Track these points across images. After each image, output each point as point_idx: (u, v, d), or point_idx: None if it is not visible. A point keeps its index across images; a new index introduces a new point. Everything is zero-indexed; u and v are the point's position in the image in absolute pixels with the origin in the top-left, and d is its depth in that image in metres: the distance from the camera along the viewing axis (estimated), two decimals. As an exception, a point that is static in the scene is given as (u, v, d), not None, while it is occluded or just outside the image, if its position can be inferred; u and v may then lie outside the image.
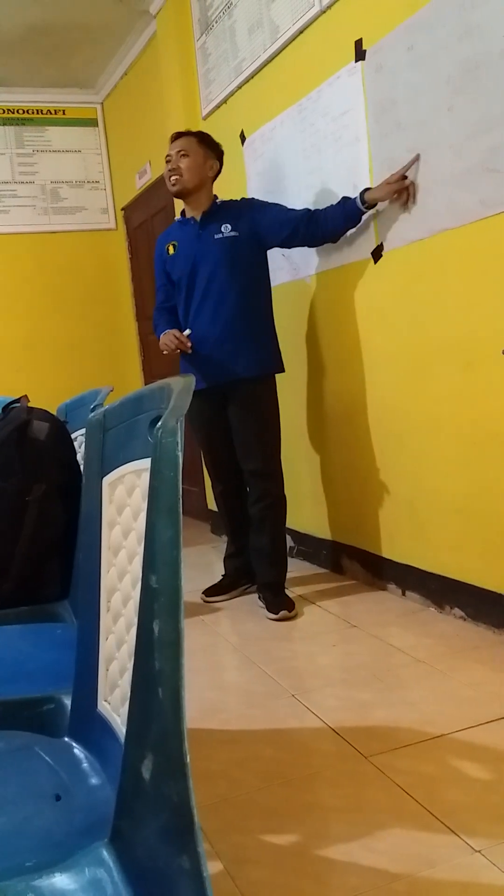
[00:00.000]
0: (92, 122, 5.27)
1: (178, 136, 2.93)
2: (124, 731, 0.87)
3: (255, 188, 3.53)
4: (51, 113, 5.18)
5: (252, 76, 3.43)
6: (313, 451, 3.37)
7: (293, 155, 3.21)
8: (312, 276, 3.19)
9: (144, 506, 0.90)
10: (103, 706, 0.95)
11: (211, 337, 2.84)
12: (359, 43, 2.70)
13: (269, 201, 3.00)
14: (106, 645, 0.96)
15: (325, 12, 2.88)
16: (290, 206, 2.94)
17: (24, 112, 5.11)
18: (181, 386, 0.81)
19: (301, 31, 3.03)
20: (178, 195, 2.94)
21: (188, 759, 0.72)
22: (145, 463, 0.88)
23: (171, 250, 2.98)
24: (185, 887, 0.71)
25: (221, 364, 2.83)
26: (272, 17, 3.19)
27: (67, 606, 1.62)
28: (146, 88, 4.56)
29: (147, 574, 0.73)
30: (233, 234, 2.85)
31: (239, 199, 3.03)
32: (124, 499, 0.96)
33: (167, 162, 2.90)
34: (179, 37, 3.99)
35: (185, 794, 0.71)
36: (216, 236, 2.86)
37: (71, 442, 1.76)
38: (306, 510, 3.48)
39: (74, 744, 0.99)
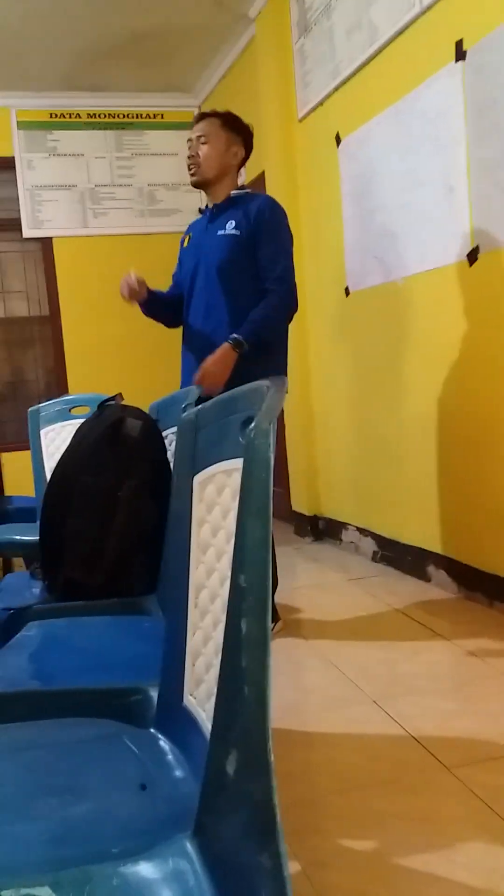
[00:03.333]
0: (189, 126, 5.35)
1: (201, 117, 2.62)
2: (209, 726, 0.88)
3: (349, 190, 3.52)
4: (149, 117, 5.29)
5: (349, 78, 3.42)
6: (400, 456, 3.33)
7: (388, 157, 3.18)
8: (405, 278, 3.15)
9: (234, 505, 0.91)
10: (189, 700, 0.96)
11: (198, 345, 2.60)
12: (459, 43, 2.65)
13: (276, 231, 2.58)
14: (193, 641, 0.98)
15: (425, 13, 2.84)
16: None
17: (123, 116, 5.24)
18: (275, 388, 0.82)
19: (400, 32, 3.00)
20: (197, 186, 2.64)
21: (272, 758, 0.73)
22: (236, 463, 0.89)
23: (186, 241, 2.76)
24: (266, 885, 0.71)
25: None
26: (371, 18, 3.17)
27: (155, 601, 1.65)
28: (243, 91, 4.60)
29: (236, 573, 0.74)
30: (234, 232, 2.55)
31: (259, 194, 2.71)
32: (214, 497, 0.97)
33: (188, 144, 2.62)
34: (278, 39, 4.01)
35: (268, 792, 0.72)
36: (219, 232, 2.58)
37: (162, 440, 1.79)
38: (391, 515, 3.44)
39: (160, 736, 1.01)
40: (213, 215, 2.63)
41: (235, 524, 0.80)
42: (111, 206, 5.19)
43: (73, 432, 1.91)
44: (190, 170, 2.61)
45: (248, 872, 0.73)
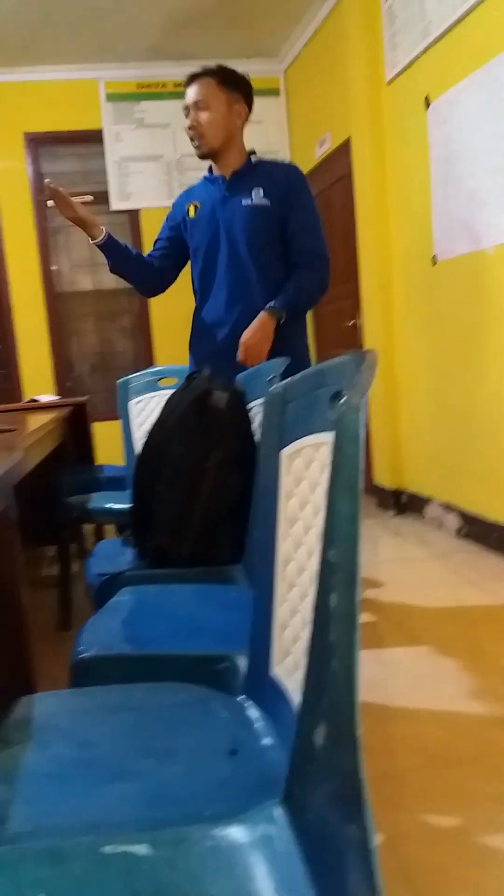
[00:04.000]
0: (274, 92, 5.29)
1: (191, 79, 2.34)
2: (296, 697, 0.90)
3: (438, 155, 3.41)
4: (235, 84, 5.25)
5: (440, 38, 3.30)
6: (486, 431, 3.25)
7: (479, 120, 3.06)
8: (495, 247, 3.05)
9: (322, 479, 0.92)
10: (276, 671, 0.98)
11: (226, 322, 2.42)
12: None
13: (309, 202, 2.41)
14: (280, 612, 0.99)
15: (523, -37, 2.71)
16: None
17: (209, 85, 5.22)
18: (366, 362, 0.81)
19: (495, -14, 2.87)
20: (205, 157, 2.42)
21: (359, 732, 0.73)
22: (324, 437, 0.90)
23: (192, 212, 2.48)
24: (353, 856, 0.72)
25: (232, 357, 2.37)
26: (465, -28, 3.04)
27: (241, 571, 1.67)
28: (329, 55, 4.50)
29: (326, 548, 0.75)
30: (264, 201, 2.34)
31: (281, 161, 2.54)
32: (302, 471, 0.98)
33: (185, 114, 2.37)
34: (366, 1, 3.90)
35: (355, 765, 0.73)
36: (244, 202, 2.36)
37: (248, 412, 1.80)
38: (476, 491, 3.37)
39: (249, 703, 1.03)
40: (232, 184, 2.40)
41: (324, 499, 0.81)
42: (196, 177, 5.18)
43: (161, 403, 1.94)
44: (193, 142, 2.38)
45: (335, 842, 0.74)
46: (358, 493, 0.73)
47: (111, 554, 2.07)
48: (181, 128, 5.19)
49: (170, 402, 1.86)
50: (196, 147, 2.39)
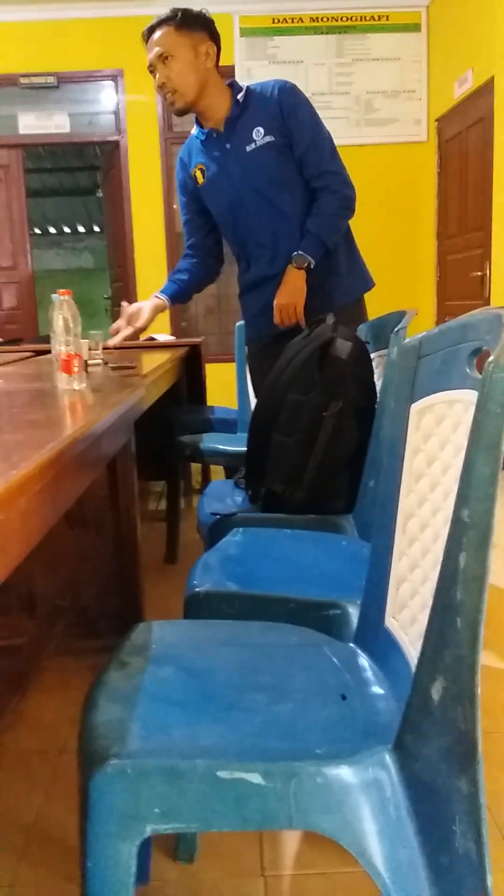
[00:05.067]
0: (415, 28, 5.06)
1: (149, 32, 2.13)
2: (413, 650, 0.90)
3: None
4: (374, 19, 5.05)
5: None
6: None
7: None
8: None
9: (454, 437, 0.90)
10: (391, 622, 0.98)
11: (276, 276, 2.25)
12: None
13: (308, 116, 2.18)
14: (398, 565, 0.99)
15: None
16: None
17: (346, 19, 5.04)
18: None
19: None
20: (184, 112, 2.22)
21: (479, 690, 0.74)
22: (460, 394, 0.88)
23: (200, 177, 2.31)
24: (461, 809, 0.73)
25: (255, 319, 2.32)
26: None
27: (351, 521, 1.68)
28: (477, -13, 4.25)
29: (459, 507, 0.74)
30: (267, 139, 2.15)
31: (268, 83, 2.22)
32: (432, 427, 0.96)
33: (150, 73, 2.16)
34: None
35: (472, 722, 0.73)
36: (248, 148, 2.17)
37: (370, 363, 1.78)
38: None
39: (360, 651, 1.05)
40: (228, 133, 2.20)
41: (458, 457, 0.79)
42: (327, 116, 5.00)
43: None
44: (167, 99, 2.18)
45: (444, 793, 0.75)
46: (499, 453, 0.71)
47: (222, 494, 2.11)
48: (314, 64, 5.08)
49: (289, 349, 1.85)
50: (171, 104, 2.19)
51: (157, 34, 2.11)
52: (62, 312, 1.80)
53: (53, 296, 2.22)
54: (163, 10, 2.13)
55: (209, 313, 5.63)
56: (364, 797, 0.78)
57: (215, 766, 0.78)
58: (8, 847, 1.37)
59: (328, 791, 0.77)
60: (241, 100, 2.17)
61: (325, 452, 1.71)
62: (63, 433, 1.14)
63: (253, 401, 3.03)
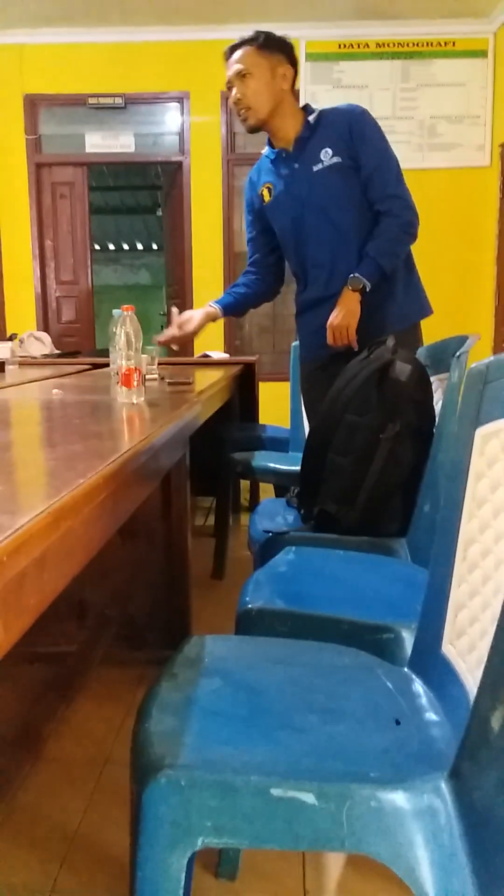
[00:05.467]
0: (481, 54, 5.06)
1: (231, 51, 2.22)
2: (471, 678, 0.89)
3: None
4: (440, 45, 5.06)
5: None
6: None
7: None
8: None
9: (520, 464, 0.89)
10: (448, 649, 0.97)
11: (332, 298, 2.25)
12: None
13: (376, 139, 2.21)
14: (457, 591, 0.98)
15: None
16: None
17: (413, 45, 5.07)
18: None
19: None
20: (255, 130, 2.27)
21: (541, 723, 0.72)
22: (528, 421, 0.87)
23: (267, 196, 2.35)
24: (518, 842, 0.72)
25: (307, 339, 2.31)
26: None
27: (405, 545, 1.67)
28: (546, 15, 4.24)
29: (526, 534, 0.73)
30: (335, 160, 2.17)
31: (342, 106, 2.27)
32: (497, 453, 0.96)
33: (228, 89, 2.25)
34: None
35: (532, 755, 0.72)
36: (315, 168, 2.20)
37: (429, 386, 1.77)
38: None
39: (414, 677, 1.04)
40: (297, 153, 2.24)
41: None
42: (390, 140, 5.09)
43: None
44: (240, 115, 2.23)
45: (500, 825, 0.74)
46: None
47: (274, 512, 2.11)
48: (379, 89, 5.11)
49: (348, 370, 1.85)
50: (244, 120, 2.25)
51: (239, 53, 2.19)
52: (125, 327, 1.83)
53: (115, 311, 2.26)
54: (228, 35, 2.19)
55: (263, 332, 5.66)
56: (418, 824, 0.77)
57: (268, 783, 0.78)
58: (49, 853, 1.38)
59: (382, 815, 0.76)
60: (312, 121, 2.21)
61: (380, 474, 1.70)
62: (124, 445, 1.16)
63: (305, 421, 3.03)
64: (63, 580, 0.80)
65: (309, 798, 0.76)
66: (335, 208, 2.21)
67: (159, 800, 0.78)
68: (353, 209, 2.21)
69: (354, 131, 2.17)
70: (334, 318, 2.21)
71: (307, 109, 2.26)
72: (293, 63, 2.25)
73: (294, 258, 2.38)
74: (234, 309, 2.59)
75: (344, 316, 2.19)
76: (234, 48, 2.21)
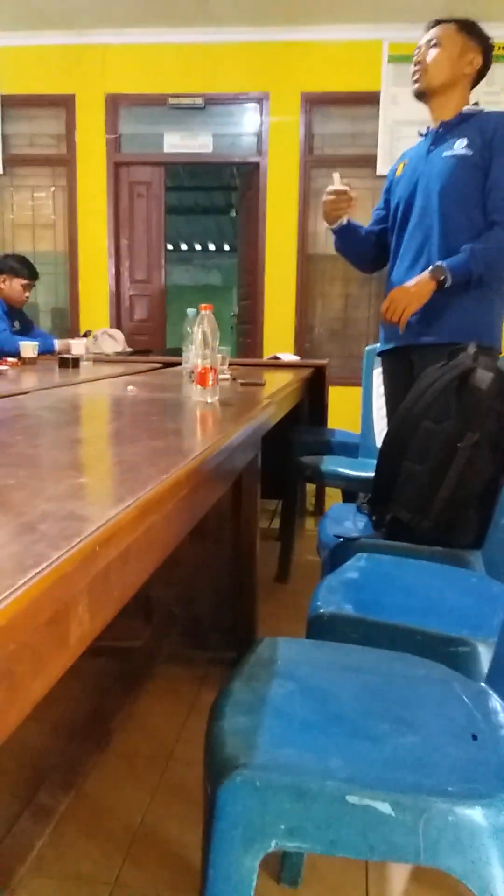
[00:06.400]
0: None
1: (435, 23, 2.26)
2: None
3: None
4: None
5: None
6: None
7: None
8: None
9: None
10: (529, 666, 0.95)
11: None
12: None
13: None
14: (540, 607, 0.96)
15: None
16: None
17: (501, 48, 4.96)
18: None
19: None
20: (421, 96, 2.27)
21: None
22: None
23: (400, 170, 2.38)
24: None
25: (411, 321, 2.20)
26: None
27: (479, 557, 1.63)
28: None
29: None
30: (465, 151, 2.15)
31: (499, 112, 2.26)
32: None
33: (416, 54, 2.26)
34: None
35: None
36: (445, 154, 2.19)
37: (510, 395, 1.73)
38: None
39: (492, 692, 1.01)
40: (438, 136, 2.25)
41: None
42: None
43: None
44: (413, 76, 2.25)
45: None
46: None
47: (343, 518, 2.10)
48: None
49: (427, 376, 1.83)
50: (414, 81, 2.25)
51: (440, 26, 2.24)
52: (202, 326, 1.84)
53: (190, 310, 2.28)
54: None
55: (334, 336, 5.63)
56: (495, 841, 0.75)
57: (344, 790, 0.77)
58: (113, 846, 1.39)
59: (459, 831, 0.74)
60: (465, 113, 2.23)
61: (456, 484, 1.67)
62: (203, 443, 1.16)
63: (378, 416, 3.00)
64: (144, 574, 0.80)
65: (385, 808, 0.75)
66: (445, 198, 2.18)
67: (234, 799, 0.77)
68: (462, 205, 2.16)
69: (497, 137, 2.14)
70: (399, 289, 2.19)
71: (473, 105, 2.26)
72: (486, 59, 2.26)
73: (395, 237, 2.36)
74: (350, 230, 2.45)
75: (409, 294, 2.16)
76: (438, 21, 2.26)
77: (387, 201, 2.46)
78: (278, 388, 2.22)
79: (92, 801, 1.51)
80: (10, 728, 0.48)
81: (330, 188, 2.35)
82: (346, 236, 2.45)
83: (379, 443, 2.19)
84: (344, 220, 2.39)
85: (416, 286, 2.15)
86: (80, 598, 0.59)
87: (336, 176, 2.33)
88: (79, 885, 1.30)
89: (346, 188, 2.32)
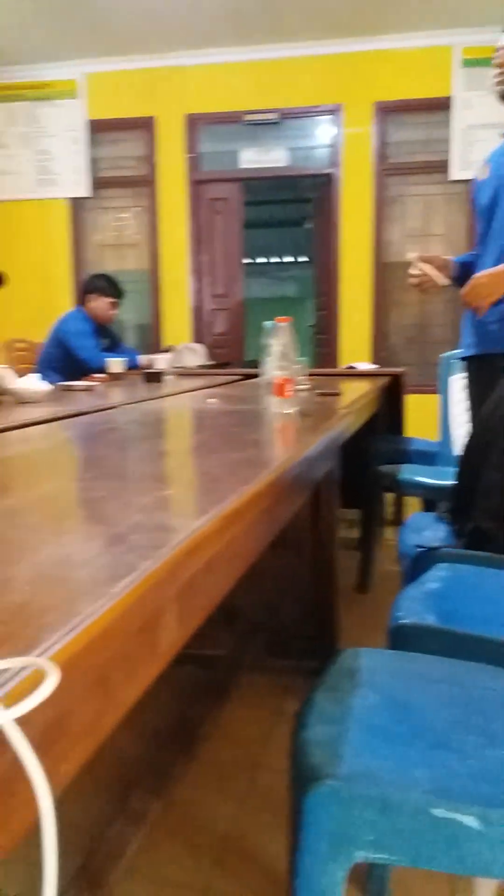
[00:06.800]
0: None
1: None
2: None
3: None
4: None
5: None
6: None
7: None
8: None
9: None
10: None
11: None
12: None
13: None
14: None
15: None
16: None
17: None
18: None
19: None
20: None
21: None
22: None
23: (485, 172, 2.36)
24: None
25: (490, 326, 2.19)
26: None
27: None
28: None
29: None
30: None
31: None
32: None
33: (497, 55, 2.23)
34: None
35: None
36: None
37: None
38: None
39: None
40: None
41: None
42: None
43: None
44: (496, 77, 2.22)
45: None
46: None
47: (423, 527, 2.07)
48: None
49: (509, 383, 1.79)
50: (498, 84, 2.23)
51: None
52: (279, 338, 1.86)
53: (266, 322, 2.31)
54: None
55: (410, 343, 5.57)
56: None
57: (429, 802, 0.77)
58: (202, 851, 1.41)
59: (551, 848, 0.73)
60: None
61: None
62: (282, 454, 1.18)
63: (458, 423, 2.96)
64: (227, 583, 0.82)
65: (472, 822, 0.74)
66: None
67: (319, 809, 0.78)
68: None
69: None
70: (483, 276, 2.15)
71: None
72: None
73: (479, 239, 2.35)
74: (464, 265, 2.45)
75: (491, 282, 2.12)
76: None
77: (474, 204, 2.44)
78: (355, 397, 2.22)
79: (182, 808, 1.54)
80: (105, 732, 0.50)
81: (411, 272, 2.35)
82: (462, 276, 2.41)
83: (458, 450, 2.16)
84: (446, 281, 2.37)
85: (497, 275, 2.12)
86: (169, 606, 0.61)
87: (412, 256, 2.33)
88: (170, 890, 1.32)
89: (422, 270, 2.32)
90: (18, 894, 1.06)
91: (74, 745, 0.44)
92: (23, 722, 0.35)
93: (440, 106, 5.11)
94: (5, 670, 0.37)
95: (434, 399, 3.31)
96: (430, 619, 1.30)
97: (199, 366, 4.21)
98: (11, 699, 0.35)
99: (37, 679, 0.37)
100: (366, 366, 4.26)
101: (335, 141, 5.40)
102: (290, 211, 10.45)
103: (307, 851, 0.78)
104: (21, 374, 2.21)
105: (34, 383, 2.15)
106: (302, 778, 0.81)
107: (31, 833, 0.37)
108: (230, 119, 5.50)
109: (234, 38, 5.20)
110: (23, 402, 2.04)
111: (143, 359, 4.03)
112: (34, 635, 0.43)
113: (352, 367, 4.17)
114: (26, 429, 1.48)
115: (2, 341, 4.25)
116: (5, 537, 0.68)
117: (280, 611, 2.19)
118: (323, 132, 5.47)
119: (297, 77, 5.34)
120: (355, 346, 5.48)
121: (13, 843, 0.37)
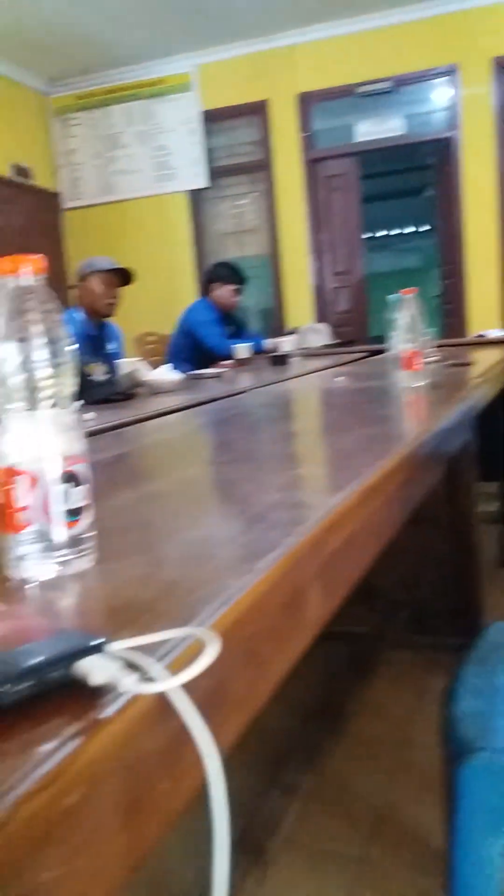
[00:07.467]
0: None
1: None
2: None
3: None
4: None
5: None
6: None
7: None
8: None
9: None
10: None
11: None
12: None
13: None
14: None
15: None
16: None
17: None
18: None
19: None
20: None
21: None
22: None
23: None
24: None
25: None
26: None
27: None
28: None
29: None
30: None
31: None
32: None
33: None
34: None
35: None
36: None
37: None
38: None
39: None
40: None
41: None
42: None
43: None
44: None
45: None
46: None
47: None
48: None
49: None
50: None
51: None
52: (406, 310, 1.82)
53: (391, 296, 2.26)
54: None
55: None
56: None
57: None
58: (358, 823, 1.43)
59: None
60: None
61: None
62: (415, 428, 1.16)
63: None
64: (368, 559, 0.82)
65: None
66: None
67: (474, 782, 0.78)
68: None
69: None
70: None
71: None
72: None
73: None
74: None
75: None
76: None
77: None
78: (489, 366, 2.14)
79: (334, 781, 1.56)
80: (260, 702, 0.52)
81: None
82: None
83: None
84: None
85: None
86: (313, 581, 0.62)
87: None
88: (327, 860, 1.35)
89: None
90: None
91: (232, 714, 0.46)
92: (187, 689, 0.37)
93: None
94: (167, 640, 0.39)
95: None
96: None
97: (324, 345, 4.19)
98: (177, 666, 0.37)
99: (196, 649, 0.39)
100: (498, 332, 4.10)
101: (453, 103, 5.21)
102: (409, 180, 10.16)
103: (464, 824, 0.78)
104: (153, 365, 2.28)
105: (166, 374, 2.22)
106: (455, 751, 0.81)
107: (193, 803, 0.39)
108: (343, 93, 5.41)
109: (342, 11, 5.10)
110: (157, 393, 2.10)
111: (268, 343, 4.05)
112: (189, 609, 0.45)
113: (481, 336, 4.02)
114: (162, 418, 1.54)
115: (133, 336, 4.40)
116: (153, 520, 0.71)
117: (420, 588, 2.16)
118: (439, 95, 5.28)
119: (409, 41, 5.18)
120: (484, 314, 5.29)
121: (183, 806, 0.39)
